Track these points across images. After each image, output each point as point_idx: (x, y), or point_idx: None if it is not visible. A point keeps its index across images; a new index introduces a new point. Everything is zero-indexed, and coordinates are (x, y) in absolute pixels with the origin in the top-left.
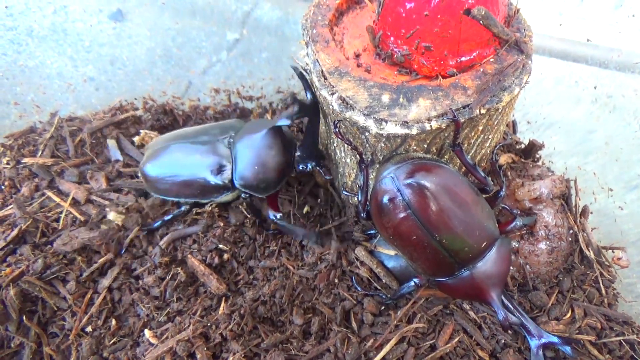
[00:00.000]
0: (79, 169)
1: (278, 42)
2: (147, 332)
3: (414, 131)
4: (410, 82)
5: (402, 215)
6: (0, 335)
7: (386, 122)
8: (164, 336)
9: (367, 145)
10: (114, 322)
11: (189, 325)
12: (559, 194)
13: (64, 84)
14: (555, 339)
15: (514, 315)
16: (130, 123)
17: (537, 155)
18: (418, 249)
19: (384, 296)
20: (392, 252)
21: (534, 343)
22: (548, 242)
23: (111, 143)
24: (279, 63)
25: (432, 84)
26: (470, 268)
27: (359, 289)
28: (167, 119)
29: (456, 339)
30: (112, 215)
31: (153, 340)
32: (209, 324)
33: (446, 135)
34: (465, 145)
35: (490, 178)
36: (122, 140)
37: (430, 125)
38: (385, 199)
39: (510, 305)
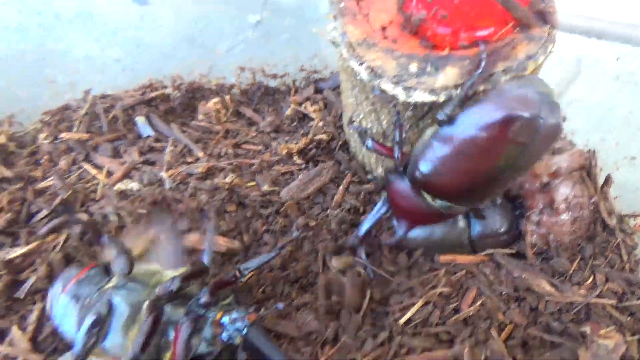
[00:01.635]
0: (112, 144)
1: (298, 24)
2: None
3: (442, 98)
4: (437, 51)
5: (520, 139)
6: None
7: (414, 89)
8: None
9: (394, 113)
10: None
11: None
12: (578, 167)
13: (92, 65)
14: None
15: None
16: (159, 101)
17: None
18: (477, 174)
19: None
20: None
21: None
22: (570, 213)
23: (141, 120)
24: (299, 44)
25: (459, 54)
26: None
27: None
28: (195, 97)
29: (479, 302)
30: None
31: None
32: None
33: None
34: None
35: None
36: (152, 117)
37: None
38: (526, 114)
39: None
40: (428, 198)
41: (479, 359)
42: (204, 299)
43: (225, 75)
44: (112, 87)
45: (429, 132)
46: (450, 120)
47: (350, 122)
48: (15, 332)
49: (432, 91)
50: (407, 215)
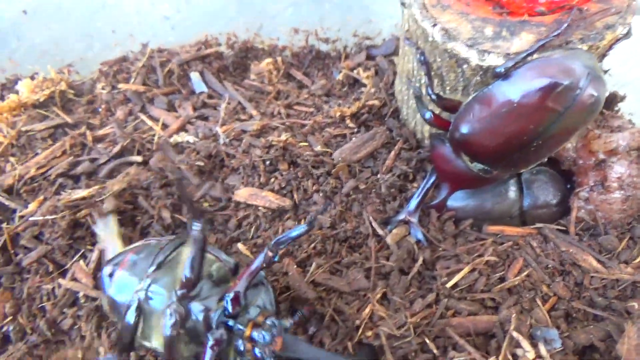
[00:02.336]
0: (167, 98)
1: None
2: (240, 246)
3: None
4: (512, 16)
5: (555, 106)
6: None
7: (489, 53)
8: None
9: (461, 79)
10: None
11: None
12: (637, 147)
13: (143, 20)
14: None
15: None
16: (213, 58)
17: (617, 108)
18: (512, 138)
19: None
20: None
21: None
22: (622, 192)
23: (195, 76)
24: (349, 10)
25: (535, 20)
26: (495, 171)
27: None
28: (247, 56)
29: (524, 273)
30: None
31: (247, 253)
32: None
33: None
34: None
35: None
36: (205, 73)
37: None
38: (564, 81)
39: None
40: (466, 160)
41: (524, 325)
42: (230, 309)
43: (278, 37)
44: (162, 44)
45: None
46: (505, 76)
47: (410, 83)
48: (77, 268)
49: (507, 56)
50: (448, 179)
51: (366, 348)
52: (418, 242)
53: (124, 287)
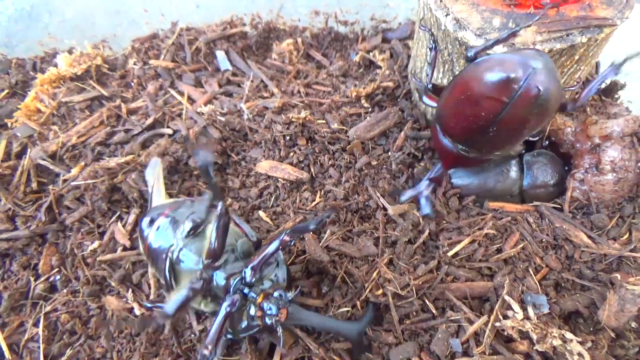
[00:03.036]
0: (194, 74)
1: None
2: (261, 213)
3: None
4: (519, 9)
5: (501, 97)
6: None
7: None
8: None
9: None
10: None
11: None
12: (631, 132)
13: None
14: (423, 202)
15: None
16: (237, 37)
17: (617, 95)
18: (470, 120)
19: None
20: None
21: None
22: (614, 174)
23: (220, 54)
24: None
25: (540, 12)
26: (473, 152)
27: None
28: (270, 37)
29: (520, 246)
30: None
31: (267, 220)
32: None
33: None
34: (560, 72)
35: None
36: (230, 52)
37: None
38: (507, 74)
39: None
40: (449, 141)
41: (516, 291)
42: (248, 278)
43: (299, 18)
44: (188, 22)
45: None
46: (473, 61)
47: (413, 75)
48: (115, 229)
49: (512, 46)
50: (441, 156)
51: (371, 306)
52: (425, 215)
53: (160, 236)
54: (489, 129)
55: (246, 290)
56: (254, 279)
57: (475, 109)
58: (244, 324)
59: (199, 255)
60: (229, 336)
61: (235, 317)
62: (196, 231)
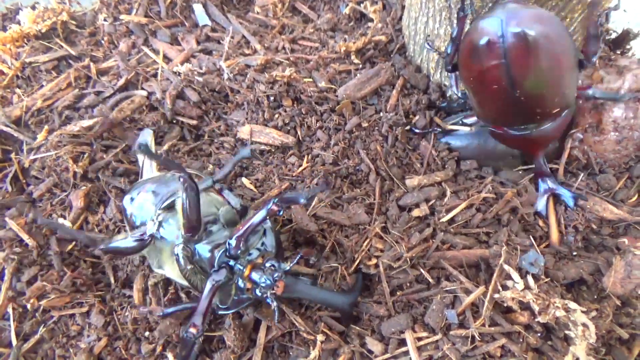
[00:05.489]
0: (170, 30)
1: None
2: (244, 180)
3: None
4: None
5: (493, 62)
6: None
7: None
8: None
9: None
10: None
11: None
12: (637, 89)
13: None
14: (564, 192)
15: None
16: None
17: (628, 46)
18: (494, 98)
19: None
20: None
21: (543, 187)
22: (617, 133)
23: (198, 8)
24: None
25: None
26: (533, 127)
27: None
28: None
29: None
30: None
31: (251, 187)
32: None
33: None
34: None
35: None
36: (209, 5)
37: None
38: (483, 41)
39: (542, 160)
40: (509, 130)
41: (514, 260)
42: (232, 250)
43: None
44: None
45: None
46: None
47: (427, 42)
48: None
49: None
50: (522, 151)
51: (360, 275)
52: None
53: (141, 208)
54: (516, 96)
55: (232, 263)
56: (238, 251)
57: (490, 89)
58: (233, 298)
59: (179, 229)
60: (218, 312)
61: (224, 291)
62: (169, 206)
